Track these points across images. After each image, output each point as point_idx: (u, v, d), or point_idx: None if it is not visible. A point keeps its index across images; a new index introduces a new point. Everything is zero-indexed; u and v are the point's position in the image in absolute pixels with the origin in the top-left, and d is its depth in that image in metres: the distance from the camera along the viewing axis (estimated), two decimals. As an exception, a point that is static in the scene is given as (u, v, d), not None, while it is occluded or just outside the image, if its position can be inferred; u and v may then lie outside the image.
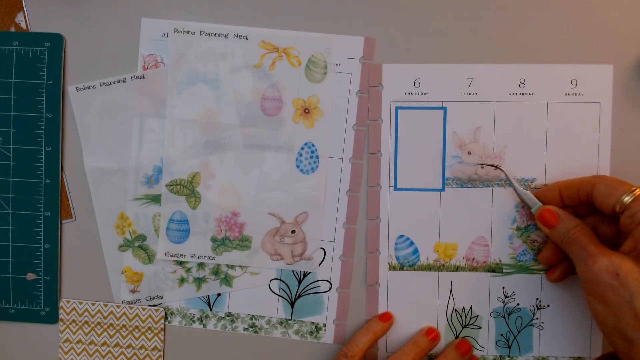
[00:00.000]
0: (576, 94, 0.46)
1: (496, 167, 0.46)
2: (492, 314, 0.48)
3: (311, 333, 0.48)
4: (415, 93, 0.47)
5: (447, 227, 0.47)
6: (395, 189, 0.47)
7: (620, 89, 0.46)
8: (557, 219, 0.42)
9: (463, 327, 0.48)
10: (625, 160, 0.47)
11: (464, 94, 0.47)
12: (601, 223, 0.43)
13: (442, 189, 0.47)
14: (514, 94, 0.47)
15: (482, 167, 0.47)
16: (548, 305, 0.48)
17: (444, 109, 0.47)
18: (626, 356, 0.39)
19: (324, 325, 0.48)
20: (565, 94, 0.46)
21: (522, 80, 0.47)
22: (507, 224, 0.47)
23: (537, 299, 0.48)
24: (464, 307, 0.48)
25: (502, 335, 0.48)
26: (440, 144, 0.47)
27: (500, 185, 0.47)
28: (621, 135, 0.46)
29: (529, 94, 0.47)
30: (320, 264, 0.48)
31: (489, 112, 0.47)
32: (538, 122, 0.47)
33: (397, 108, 0.47)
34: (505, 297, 0.48)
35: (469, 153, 0.47)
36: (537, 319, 0.48)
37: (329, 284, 0.48)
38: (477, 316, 0.48)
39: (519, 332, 0.48)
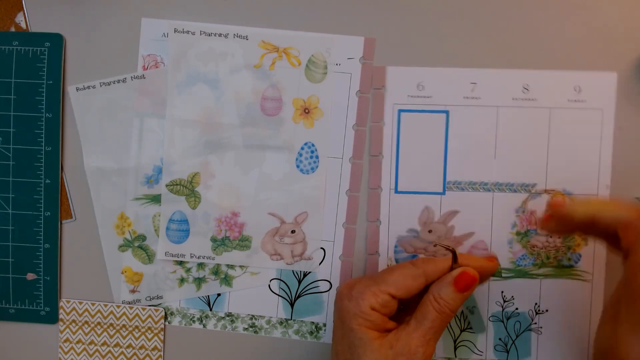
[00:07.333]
0: (579, 101, 0.46)
1: (448, 249, 0.40)
2: (490, 318, 0.48)
3: (311, 333, 0.49)
4: (418, 96, 0.47)
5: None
6: (396, 191, 0.47)
7: (623, 96, 0.46)
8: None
9: (461, 331, 0.48)
10: (626, 167, 0.46)
11: (467, 98, 0.47)
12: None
13: (443, 193, 0.47)
14: (517, 99, 0.46)
15: (435, 246, 0.47)
16: (547, 310, 0.47)
17: (447, 112, 0.47)
18: None
19: (324, 325, 0.48)
20: (568, 100, 0.46)
21: (526, 86, 0.46)
22: (507, 229, 0.47)
23: (536, 303, 0.47)
24: (462, 311, 0.48)
25: (500, 339, 0.48)
26: (442, 148, 0.47)
27: (501, 190, 0.47)
28: (623, 142, 0.46)
29: (532, 100, 0.46)
30: (320, 264, 0.48)
31: (492, 117, 0.47)
32: (540, 127, 0.46)
33: (399, 111, 0.47)
34: (504, 301, 0.48)
35: (430, 232, 0.47)
36: (535, 323, 0.48)
37: (329, 283, 0.48)
38: (477, 319, 0.48)
39: (517, 336, 0.48)
